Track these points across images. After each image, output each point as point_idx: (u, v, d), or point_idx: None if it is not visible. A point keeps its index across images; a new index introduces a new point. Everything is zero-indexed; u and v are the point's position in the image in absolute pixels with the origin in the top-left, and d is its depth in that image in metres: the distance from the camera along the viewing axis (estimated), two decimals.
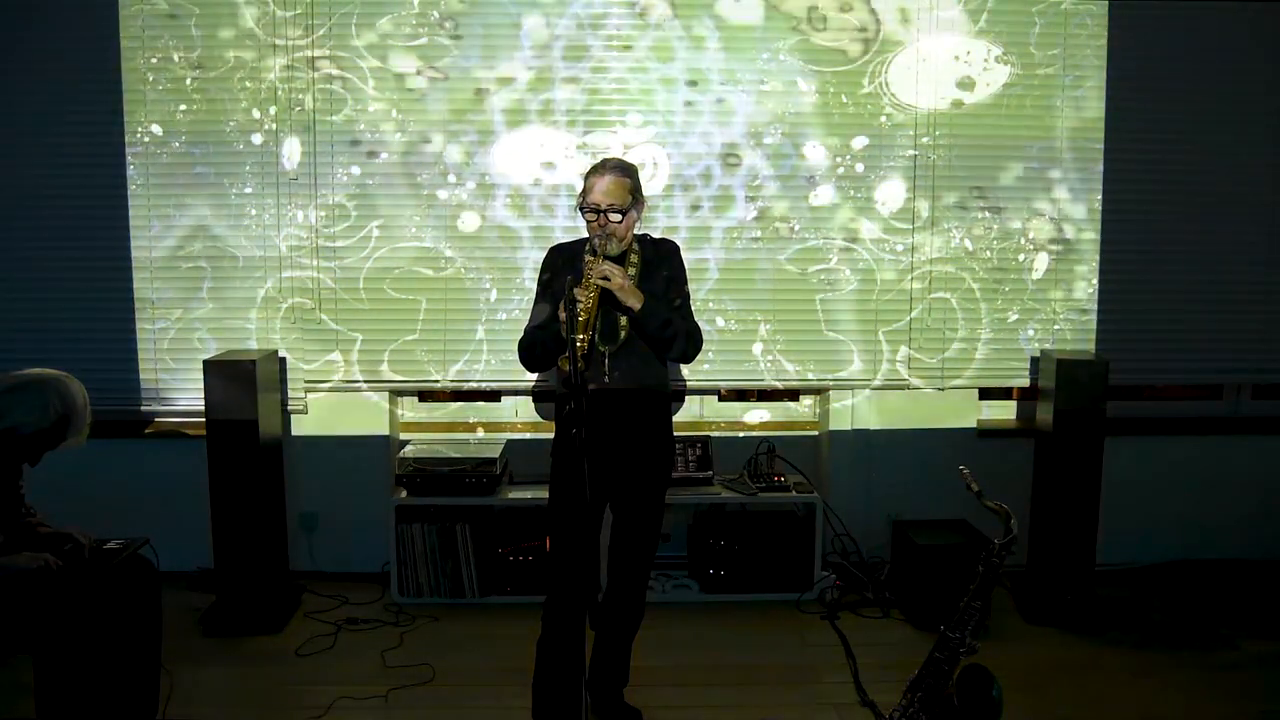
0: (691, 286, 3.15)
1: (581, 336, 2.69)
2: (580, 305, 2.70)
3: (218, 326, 4.24)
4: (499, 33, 4.13)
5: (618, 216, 2.86)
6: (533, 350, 3.00)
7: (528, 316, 3.11)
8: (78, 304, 4.21)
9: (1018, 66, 4.22)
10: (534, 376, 4.10)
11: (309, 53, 4.10)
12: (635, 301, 2.83)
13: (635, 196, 2.92)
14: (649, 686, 3.34)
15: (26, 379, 2.70)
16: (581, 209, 2.92)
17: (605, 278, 2.76)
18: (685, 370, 4.26)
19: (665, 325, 2.90)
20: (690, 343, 2.98)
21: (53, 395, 2.67)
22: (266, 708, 3.31)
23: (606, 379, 2.89)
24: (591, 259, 2.81)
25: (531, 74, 4.14)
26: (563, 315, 2.74)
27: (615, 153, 4.15)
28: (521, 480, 4.28)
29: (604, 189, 2.86)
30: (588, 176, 2.92)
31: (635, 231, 3.01)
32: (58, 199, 4.16)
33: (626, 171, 2.91)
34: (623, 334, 2.91)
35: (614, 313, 2.89)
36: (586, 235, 2.96)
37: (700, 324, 3.08)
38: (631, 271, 2.92)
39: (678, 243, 3.12)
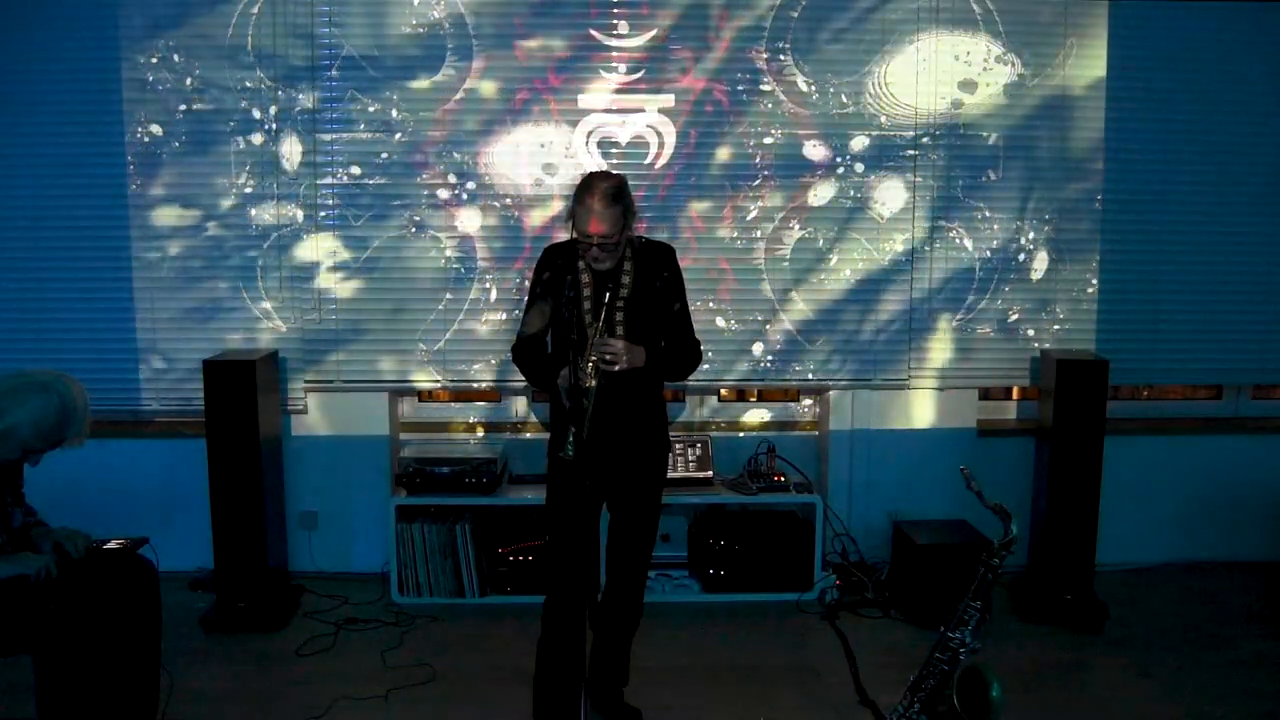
0: (692, 286, 3.14)
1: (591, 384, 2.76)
2: (589, 385, 2.74)
3: (217, 326, 4.24)
4: (498, 31, 4.13)
5: (610, 247, 2.83)
6: (526, 369, 3.05)
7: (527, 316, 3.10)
8: (78, 304, 4.21)
9: (1018, 66, 4.22)
10: None
11: (309, 52, 4.10)
12: (640, 363, 2.87)
13: (626, 219, 2.85)
14: (649, 686, 3.34)
15: (27, 380, 2.69)
16: (573, 239, 2.87)
17: (609, 364, 2.79)
18: None
19: (668, 368, 3.00)
20: (690, 366, 3.08)
21: (53, 396, 2.66)
22: (266, 708, 3.31)
23: (603, 381, 2.87)
24: (594, 332, 2.80)
25: (531, 72, 4.15)
26: (563, 383, 2.80)
27: (617, 140, 4.18)
28: (521, 480, 4.28)
29: (593, 222, 2.78)
30: (575, 203, 2.83)
31: (629, 234, 2.98)
32: (58, 199, 4.15)
33: (615, 197, 2.80)
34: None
35: (613, 324, 2.89)
36: None
37: (700, 324, 3.08)
38: (625, 280, 2.91)
39: (673, 247, 3.08)
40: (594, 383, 2.76)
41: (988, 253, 4.32)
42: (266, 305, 4.24)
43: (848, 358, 4.35)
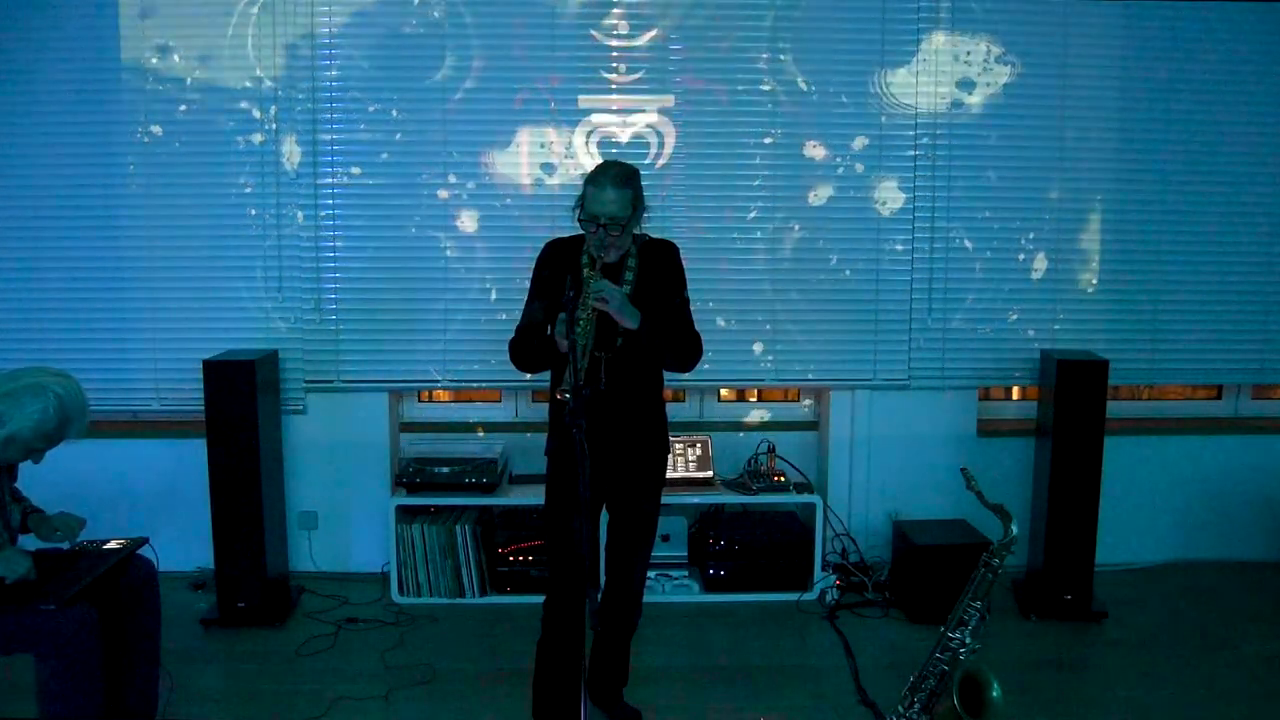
0: (693, 286, 3.12)
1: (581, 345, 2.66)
2: (579, 329, 2.64)
3: (217, 326, 4.23)
4: (498, 31, 4.13)
5: (617, 231, 2.79)
6: (525, 354, 2.96)
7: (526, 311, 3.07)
8: (77, 304, 4.21)
9: (1018, 66, 4.22)
10: (529, 376, 4.09)
11: (309, 52, 4.10)
12: (632, 322, 2.77)
13: (636, 207, 2.82)
14: (649, 686, 3.34)
15: (22, 383, 2.68)
16: (580, 220, 2.82)
17: (603, 299, 2.71)
18: None
19: (663, 343, 2.88)
20: (689, 354, 2.97)
21: (50, 398, 2.66)
22: (266, 708, 3.31)
23: (603, 384, 2.86)
24: (589, 271, 2.76)
25: (531, 72, 4.15)
26: (560, 334, 2.69)
27: (617, 140, 4.18)
28: (521, 480, 4.28)
29: (604, 202, 2.75)
30: (587, 184, 2.81)
31: (635, 230, 2.97)
32: (58, 198, 4.16)
33: (628, 181, 2.79)
34: (619, 340, 2.88)
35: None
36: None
37: (700, 324, 3.06)
38: (628, 276, 2.88)
39: (677, 244, 3.05)
40: (589, 316, 2.68)
41: (988, 253, 4.32)
42: (266, 305, 4.24)
43: (847, 358, 4.35)
